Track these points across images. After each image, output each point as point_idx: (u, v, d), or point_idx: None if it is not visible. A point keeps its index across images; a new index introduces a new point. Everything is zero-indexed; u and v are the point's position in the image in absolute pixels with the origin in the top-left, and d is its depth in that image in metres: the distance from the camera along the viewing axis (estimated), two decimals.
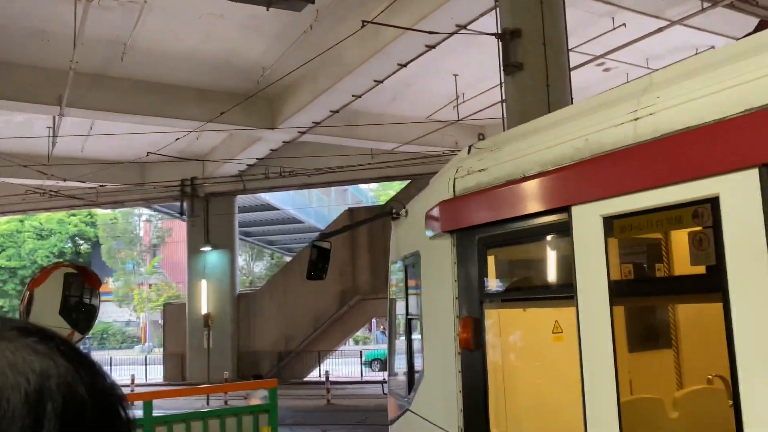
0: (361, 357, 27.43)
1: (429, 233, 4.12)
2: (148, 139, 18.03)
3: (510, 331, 3.81)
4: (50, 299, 5.63)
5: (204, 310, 23.67)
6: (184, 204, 24.43)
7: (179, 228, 37.45)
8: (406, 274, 5.01)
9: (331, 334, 24.96)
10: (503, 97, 9.02)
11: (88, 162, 19.30)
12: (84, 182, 20.25)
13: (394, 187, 38.32)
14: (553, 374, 3.77)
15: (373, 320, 42.62)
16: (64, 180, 19.57)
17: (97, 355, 37.12)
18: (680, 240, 3.11)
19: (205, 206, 24.31)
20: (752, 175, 2.19)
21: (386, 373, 6.14)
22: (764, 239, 2.15)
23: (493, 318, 3.63)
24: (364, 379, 24.51)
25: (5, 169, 19.03)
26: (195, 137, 19.38)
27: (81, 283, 5.64)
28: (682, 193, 2.43)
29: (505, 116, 8.92)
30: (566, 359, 3.39)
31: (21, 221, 43.50)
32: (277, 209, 33.72)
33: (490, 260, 3.61)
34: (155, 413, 4.61)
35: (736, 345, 2.22)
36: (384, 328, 48.13)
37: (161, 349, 29.20)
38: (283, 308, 24.23)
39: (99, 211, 43.90)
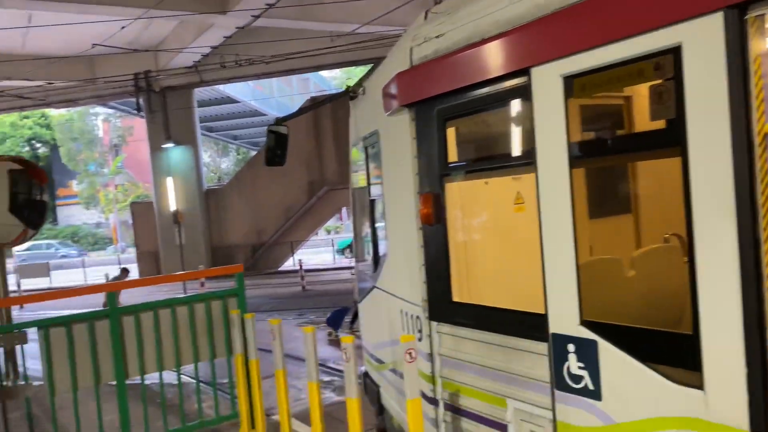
0: (333, 245, 27.91)
1: (387, 109, 3.96)
2: (92, 31, 16.88)
3: (471, 204, 3.78)
4: None
5: (173, 208, 23.49)
6: (140, 100, 23.48)
7: (140, 126, 36.32)
8: (366, 156, 4.89)
9: (303, 225, 25.18)
10: None
11: (31, 58, 18.14)
12: (30, 80, 19.15)
13: (357, 74, 37.30)
14: (514, 243, 3.80)
15: (343, 209, 43.00)
16: (9, 78, 18.46)
17: (70, 259, 37.17)
18: (641, 95, 3.02)
19: (163, 101, 23.41)
20: (716, 20, 2.07)
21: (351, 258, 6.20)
22: (726, 88, 2.07)
23: (454, 192, 3.59)
24: (337, 265, 25.09)
25: None
26: (143, 27, 18.24)
27: (28, 179, 5.42)
28: (643, 44, 2.31)
29: None
30: (527, 228, 3.40)
31: None
32: (238, 102, 32.70)
33: (450, 132, 3.50)
34: None
35: (693, 198, 2.20)
36: None
37: (134, 249, 29.25)
38: (253, 202, 24.19)
39: (52, 112, 42.09)
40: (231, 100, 32.05)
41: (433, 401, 3.65)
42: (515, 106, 3.16)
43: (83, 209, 47.41)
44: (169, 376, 5.36)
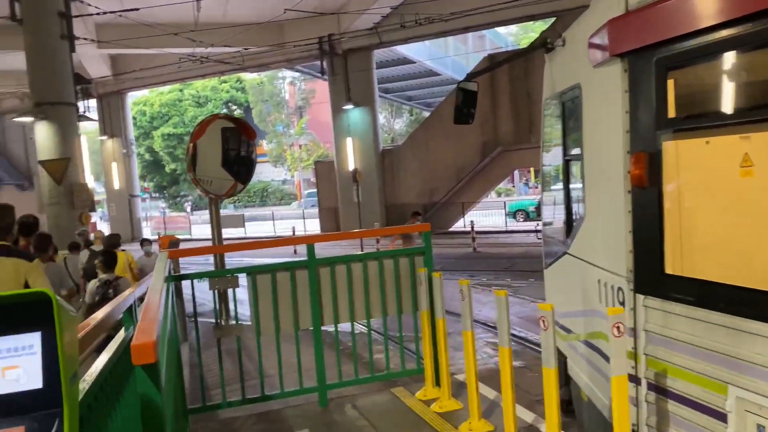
0: (504, 208, 27.44)
1: (593, 61, 3.64)
2: None
3: (689, 165, 3.37)
4: (212, 152, 6.02)
5: (351, 167, 24.59)
6: (324, 62, 24.62)
7: (322, 89, 38.31)
8: (563, 112, 4.58)
9: (474, 186, 25.02)
10: None
11: (230, 25, 19.74)
12: (230, 46, 20.92)
13: (536, 30, 35.62)
14: (744, 212, 3.33)
15: (516, 172, 41.96)
16: (212, 45, 20.35)
17: (261, 212, 40.73)
18: None
19: (344, 63, 24.33)
20: None
21: (538, 222, 5.93)
22: None
23: (671, 151, 3.21)
24: (509, 228, 24.66)
25: (159, 39, 20.11)
26: None
27: (238, 137, 5.91)
28: None
29: None
30: (756, 195, 2.95)
31: (180, 90, 46.80)
32: (414, 62, 32.97)
33: (670, 84, 3.11)
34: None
35: None
36: (527, 180, 47.36)
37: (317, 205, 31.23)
38: (426, 162, 24.48)
39: (246, 76, 45.89)
40: (407, 61, 32.42)
41: (634, 379, 3.38)
42: (758, 51, 2.70)
43: (271, 167, 51.52)
44: (355, 328, 5.61)
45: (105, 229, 25.44)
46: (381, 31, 22.19)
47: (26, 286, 4.03)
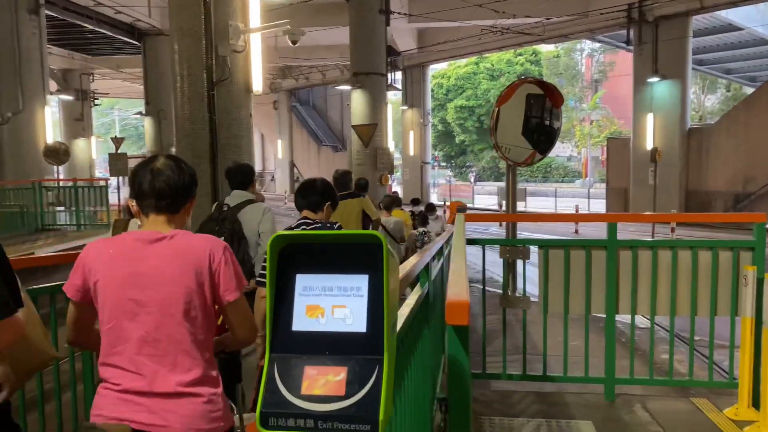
0: None
1: None
2: None
3: None
4: (514, 119, 5.89)
5: (650, 145, 22.43)
6: (631, 32, 22.67)
7: (622, 61, 35.60)
8: None
9: None
10: None
11: None
12: (531, 17, 20.55)
13: None
14: None
15: None
16: (514, 16, 20.22)
17: (542, 187, 40.04)
18: None
19: (654, 32, 22.08)
20: None
21: None
22: None
23: None
24: None
25: (463, 11, 20.70)
26: None
27: (542, 105, 5.66)
28: None
29: None
30: None
31: (476, 64, 47.99)
32: (741, 29, 28.34)
33: None
34: None
35: None
36: None
37: (602, 184, 29.45)
38: (744, 145, 21.15)
39: (542, 49, 44.96)
40: (732, 28, 28.05)
41: None
42: None
43: (558, 142, 49.96)
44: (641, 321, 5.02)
45: (399, 191, 27.68)
46: None
47: (364, 213, 5.54)
